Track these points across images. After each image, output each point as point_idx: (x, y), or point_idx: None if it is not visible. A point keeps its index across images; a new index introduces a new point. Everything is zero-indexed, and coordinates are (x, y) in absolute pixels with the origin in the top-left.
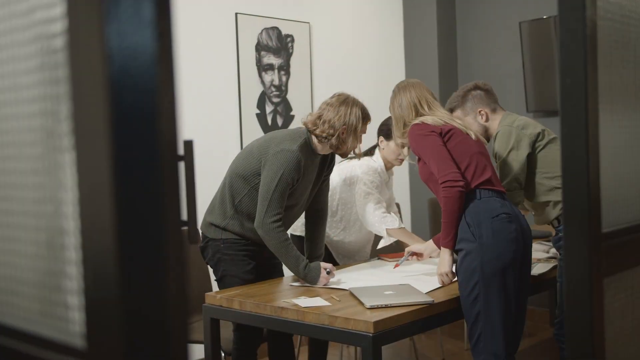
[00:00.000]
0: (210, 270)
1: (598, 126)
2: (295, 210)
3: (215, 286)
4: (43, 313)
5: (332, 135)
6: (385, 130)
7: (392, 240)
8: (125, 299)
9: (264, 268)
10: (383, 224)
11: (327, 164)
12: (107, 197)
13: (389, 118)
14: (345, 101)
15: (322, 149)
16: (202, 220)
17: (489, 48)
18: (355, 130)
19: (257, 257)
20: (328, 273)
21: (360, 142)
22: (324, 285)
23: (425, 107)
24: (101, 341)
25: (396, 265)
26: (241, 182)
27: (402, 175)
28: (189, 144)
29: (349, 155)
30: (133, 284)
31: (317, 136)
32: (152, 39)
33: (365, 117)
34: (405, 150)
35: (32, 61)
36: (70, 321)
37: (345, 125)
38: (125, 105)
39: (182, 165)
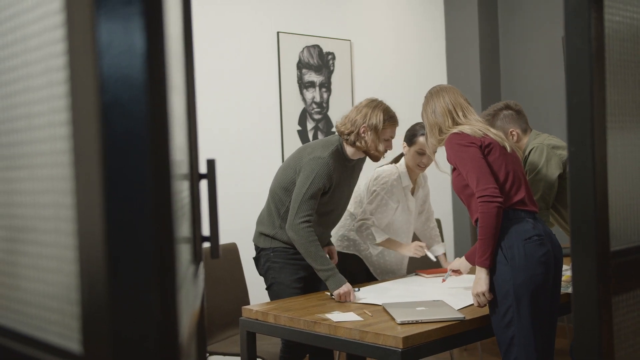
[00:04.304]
0: (250, 283)
1: (606, 145)
2: (333, 215)
3: (252, 300)
4: (49, 320)
5: (352, 132)
6: (408, 136)
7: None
8: (113, 314)
9: (311, 280)
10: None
11: (359, 171)
12: (98, 216)
13: (417, 124)
14: (369, 104)
15: (352, 153)
16: (254, 232)
17: (531, 63)
18: (375, 130)
19: (307, 268)
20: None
21: (390, 147)
22: (344, 301)
23: (461, 114)
24: (95, 348)
25: (443, 280)
26: (283, 193)
27: (444, 188)
28: (211, 163)
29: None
30: (121, 301)
31: (342, 134)
32: (142, 70)
33: (389, 119)
34: (426, 158)
35: (44, 92)
36: (72, 329)
37: (365, 124)
38: (118, 131)
39: (204, 183)
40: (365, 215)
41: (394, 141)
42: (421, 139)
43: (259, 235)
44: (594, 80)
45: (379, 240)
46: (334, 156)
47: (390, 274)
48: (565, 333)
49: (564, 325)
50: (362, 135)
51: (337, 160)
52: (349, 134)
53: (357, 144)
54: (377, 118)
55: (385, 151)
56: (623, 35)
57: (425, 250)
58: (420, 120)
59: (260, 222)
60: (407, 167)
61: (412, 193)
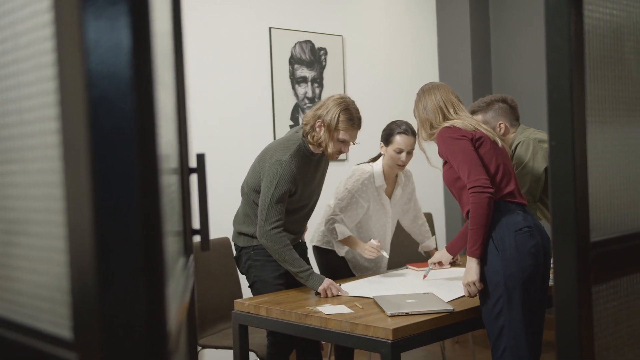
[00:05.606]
0: (243, 277)
1: (586, 138)
2: (307, 209)
3: (245, 293)
4: (40, 309)
5: (309, 123)
6: (384, 136)
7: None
8: (102, 303)
9: (293, 276)
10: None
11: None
12: (87, 208)
13: (392, 123)
14: (336, 100)
15: (314, 147)
16: (232, 232)
17: (522, 59)
18: (328, 127)
19: None
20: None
21: (344, 150)
22: (331, 295)
23: (452, 111)
24: (86, 335)
25: (424, 277)
26: (255, 195)
27: (436, 183)
28: (201, 157)
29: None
30: (110, 290)
31: (303, 124)
32: (128, 67)
33: (346, 120)
34: (404, 156)
35: (34, 87)
36: (63, 316)
37: (320, 119)
38: (105, 125)
39: (194, 177)
40: (335, 212)
41: (371, 143)
42: (398, 137)
43: (238, 234)
44: (574, 76)
45: (340, 237)
46: (296, 157)
47: (367, 271)
48: (554, 324)
49: (552, 317)
50: (317, 129)
51: (301, 159)
52: (306, 124)
53: (309, 137)
54: (333, 116)
55: (338, 153)
56: (603, 32)
57: (382, 252)
58: (412, 115)
59: (237, 221)
60: (385, 167)
61: (391, 193)
